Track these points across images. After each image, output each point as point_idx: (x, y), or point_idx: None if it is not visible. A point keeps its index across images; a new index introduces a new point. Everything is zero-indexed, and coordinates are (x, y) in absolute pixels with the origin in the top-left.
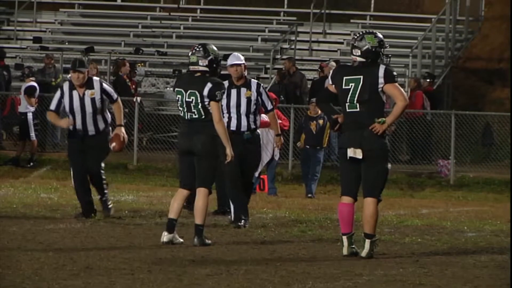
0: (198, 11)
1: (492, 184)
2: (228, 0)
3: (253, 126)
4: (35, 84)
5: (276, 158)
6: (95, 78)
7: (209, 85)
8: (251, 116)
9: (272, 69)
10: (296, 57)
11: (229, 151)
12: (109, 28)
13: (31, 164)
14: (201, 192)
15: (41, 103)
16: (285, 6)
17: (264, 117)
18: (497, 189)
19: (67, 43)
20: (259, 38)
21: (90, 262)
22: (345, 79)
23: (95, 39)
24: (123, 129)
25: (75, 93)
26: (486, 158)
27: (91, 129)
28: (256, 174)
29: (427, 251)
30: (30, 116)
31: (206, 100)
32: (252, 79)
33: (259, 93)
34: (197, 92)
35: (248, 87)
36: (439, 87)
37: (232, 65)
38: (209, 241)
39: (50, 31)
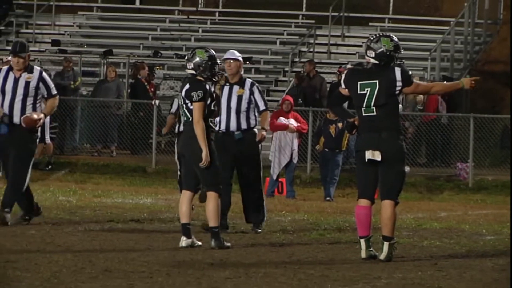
0: (217, 14)
1: None
2: (246, 3)
3: (244, 126)
4: None
5: (295, 161)
6: (36, 67)
7: (186, 86)
8: (242, 115)
9: (291, 72)
10: (315, 60)
11: (204, 154)
12: (128, 31)
13: (50, 167)
14: (210, 196)
15: (59, 106)
16: (304, 9)
17: (282, 119)
18: None
19: (85, 46)
20: (278, 41)
21: (109, 265)
22: (360, 84)
23: (113, 42)
24: (42, 115)
25: (11, 73)
26: (505, 161)
27: (16, 114)
28: (274, 177)
29: (446, 254)
30: (47, 118)
31: (187, 101)
32: (248, 79)
33: (251, 92)
34: (181, 94)
35: (242, 85)
36: (458, 90)
37: (225, 59)
38: (228, 244)
39: (68, 34)
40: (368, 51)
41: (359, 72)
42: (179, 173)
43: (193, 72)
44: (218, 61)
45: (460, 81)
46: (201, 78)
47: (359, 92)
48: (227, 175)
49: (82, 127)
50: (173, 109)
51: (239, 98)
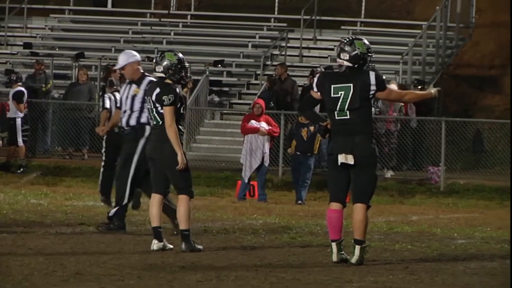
0: (189, 17)
1: (482, 191)
2: (219, 7)
3: (133, 123)
4: (22, 89)
5: (266, 164)
6: None
7: (157, 90)
8: (134, 114)
9: (263, 75)
10: (287, 63)
11: (180, 158)
12: (100, 34)
13: (21, 169)
14: (180, 199)
15: (31, 109)
16: (276, 13)
17: (254, 122)
18: (488, 196)
19: (57, 49)
20: (250, 45)
21: (80, 268)
22: (334, 87)
23: (85, 45)
24: None
25: None
26: (477, 165)
27: None
28: (246, 180)
29: (417, 258)
30: (18, 121)
31: (158, 105)
32: (148, 77)
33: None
34: (150, 98)
35: (139, 84)
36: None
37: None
38: (200, 246)
39: (40, 36)
40: (341, 54)
41: (332, 76)
42: (101, 177)
43: (162, 75)
44: (187, 64)
45: (429, 92)
46: (170, 81)
47: (332, 95)
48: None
49: (53, 130)
50: (107, 105)
51: (133, 97)
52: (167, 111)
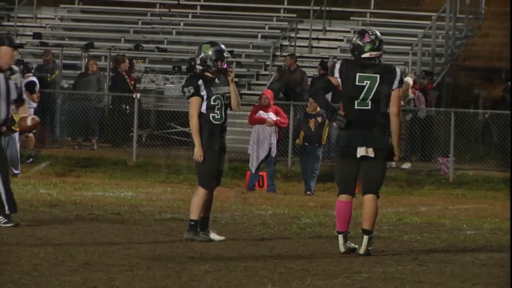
0: (198, 7)
1: (491, 182)
2: None
3: None
4: (34, 79)
5: (273, 154)
6: None
7: (183, 83)
8: None
9: (272, 66)
10: (296, 54)
11: (196, 149)
12: (109, 24)
13: (31, 159)
14: (197, 189)
15: (40, 99)
16: (285, 3)
17: (262, 113)
18: (496, 187)
19: (67, 39)
20: (259, 35)
21: (89, 258)
22: (359, 75)
23: (95, 35)
24: None
25: None
26: (486, 156)
27: None
28: (253, 171)
29: (426, 248)
30: (31, 112)
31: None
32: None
33: None
34: None
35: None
36: (439, 85)
37: None
38: (211, 236)
39: (50, 27)
40: (381, 45)
41: (357, 63)
42: None
43: (200, 67)
44: (225, 54)
45: (397, 150)
46: (209, 74)
47: (357, 83)
48: None
49: (63, 120)
50: None
51: None
52: (190, 103)
